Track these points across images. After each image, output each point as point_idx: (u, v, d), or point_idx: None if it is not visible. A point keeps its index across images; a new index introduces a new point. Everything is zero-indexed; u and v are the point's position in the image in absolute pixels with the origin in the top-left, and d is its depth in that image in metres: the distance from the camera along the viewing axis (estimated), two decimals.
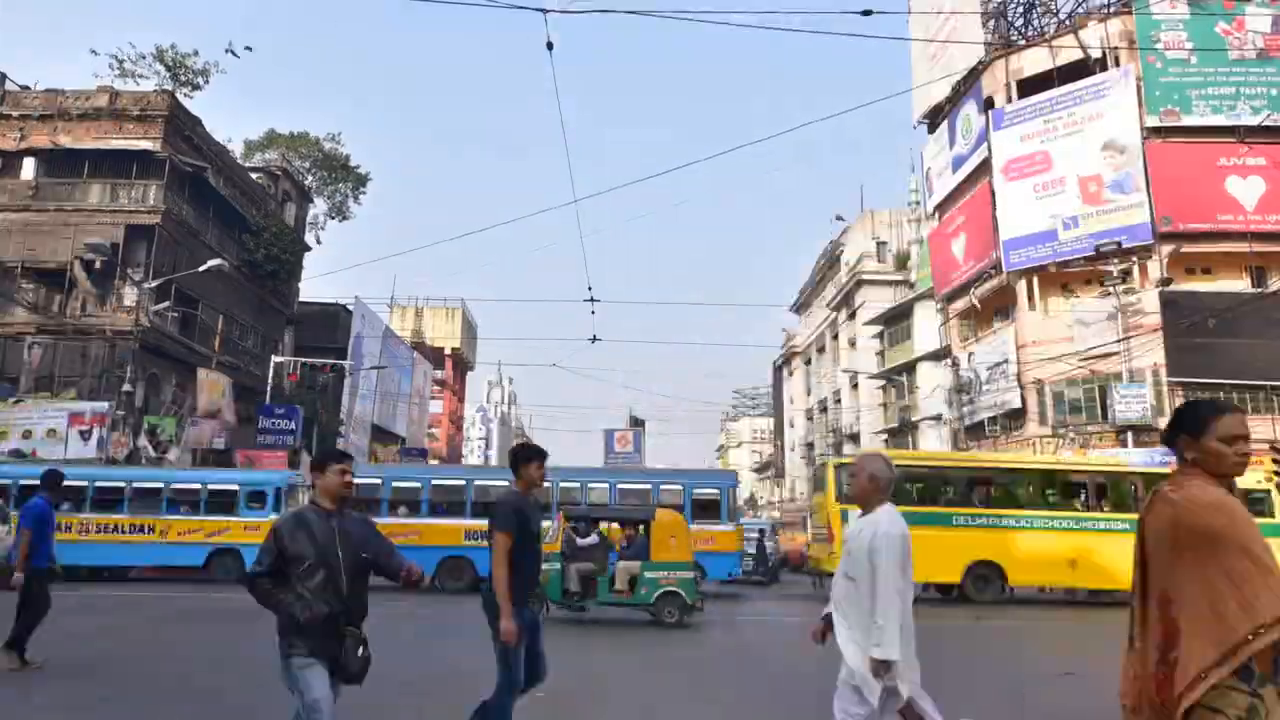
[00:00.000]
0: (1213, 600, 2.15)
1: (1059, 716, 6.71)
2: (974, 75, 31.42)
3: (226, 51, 36.98)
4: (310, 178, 43.42)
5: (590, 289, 22.45)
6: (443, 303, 64.18)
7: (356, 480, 3.82)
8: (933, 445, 36.63)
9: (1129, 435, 25.00)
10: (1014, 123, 29.36)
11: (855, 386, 46.84)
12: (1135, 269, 26.79)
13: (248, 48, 43.71)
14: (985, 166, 30.40)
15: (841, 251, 51.08)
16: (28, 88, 29.91)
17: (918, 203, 46.38)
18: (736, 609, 16.04)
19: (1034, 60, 30.06)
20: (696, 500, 17.96)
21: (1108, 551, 15.57)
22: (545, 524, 8.98)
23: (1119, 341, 25.21)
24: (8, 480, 17.66)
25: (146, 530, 18.14)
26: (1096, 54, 28.19)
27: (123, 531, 18.10)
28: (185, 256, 28.00)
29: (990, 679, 8.39)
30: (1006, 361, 28.85)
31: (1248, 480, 15.39)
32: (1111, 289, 25.38)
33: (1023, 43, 31.56)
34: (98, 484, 18.51)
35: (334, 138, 45.09)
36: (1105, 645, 11.60)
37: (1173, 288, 25.82)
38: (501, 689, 4.21)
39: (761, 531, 25.94)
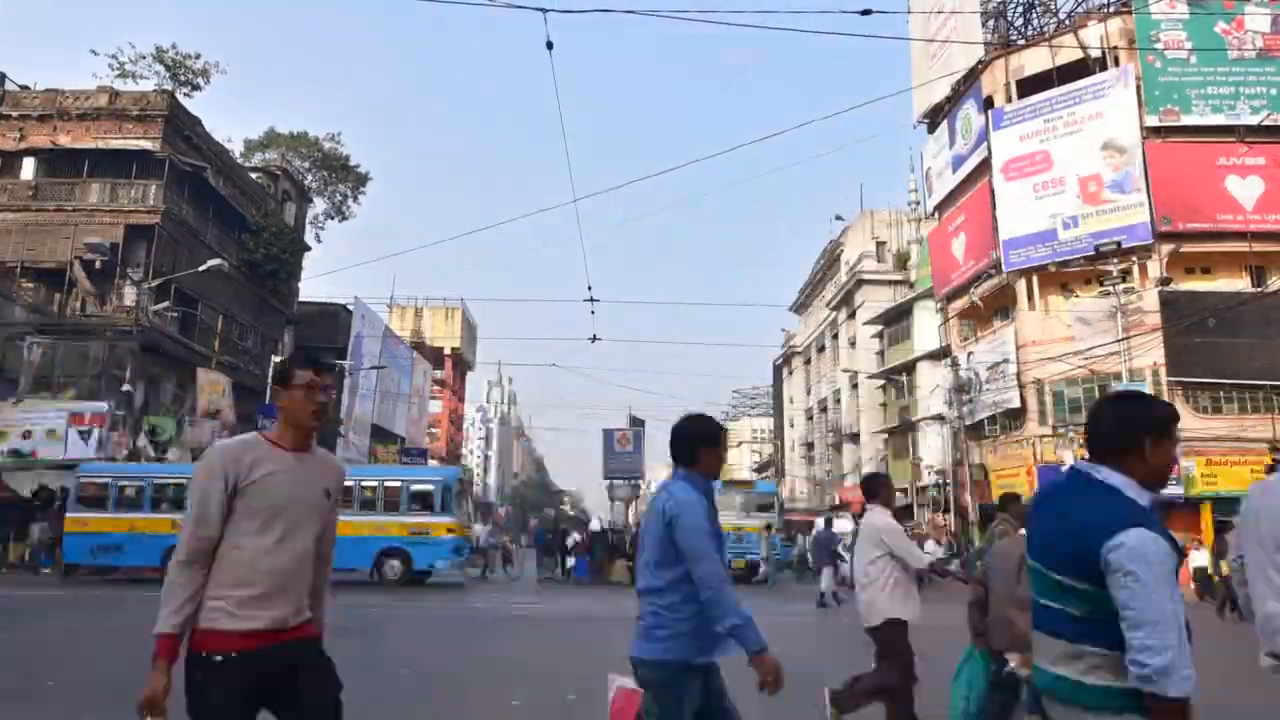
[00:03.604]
0: None
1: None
2: (974, 75, 31.41)
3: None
4: (310, 178, 43.42)
5: (590, 289, 22.40)
6: (442, 302, 64.27)
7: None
8: (933, 444, 36.64)
9: None
10: (1013, 122, 29.36)
11: (855, 386, 46.82)
12: (1135, 269, 26.78)
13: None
14: (985, 166, 30.39)
15: (841, 251, 51.05)
16: (28, 88, 29.91)
17: (918, 203, 46.37)
18: None
19: (1034, 60, 30.05)
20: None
21: None
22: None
23: (1118, 341, 25.21)
24: None
25: None
26: (1096, 54, 28.18)
27: None
28: (185, 256, 28.00)
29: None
30: (1006, 361, 28.84)
31: None
32: (1111, 289, 25.37)
33: (1022, 42, 31.54)
34: None
35: (334, 138, 45.12)
36: None
37: (1172, 287, 25.82)
38: None
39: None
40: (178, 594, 2.40)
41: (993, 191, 29.72)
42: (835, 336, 51.53)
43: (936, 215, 36.58)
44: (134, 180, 27.99)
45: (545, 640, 10.67)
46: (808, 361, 60.17)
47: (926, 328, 38.36)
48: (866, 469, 45.06)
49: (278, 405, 2.68)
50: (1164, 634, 1.86)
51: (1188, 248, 26.54)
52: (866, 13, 11.24)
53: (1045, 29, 31.54)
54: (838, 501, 48.22)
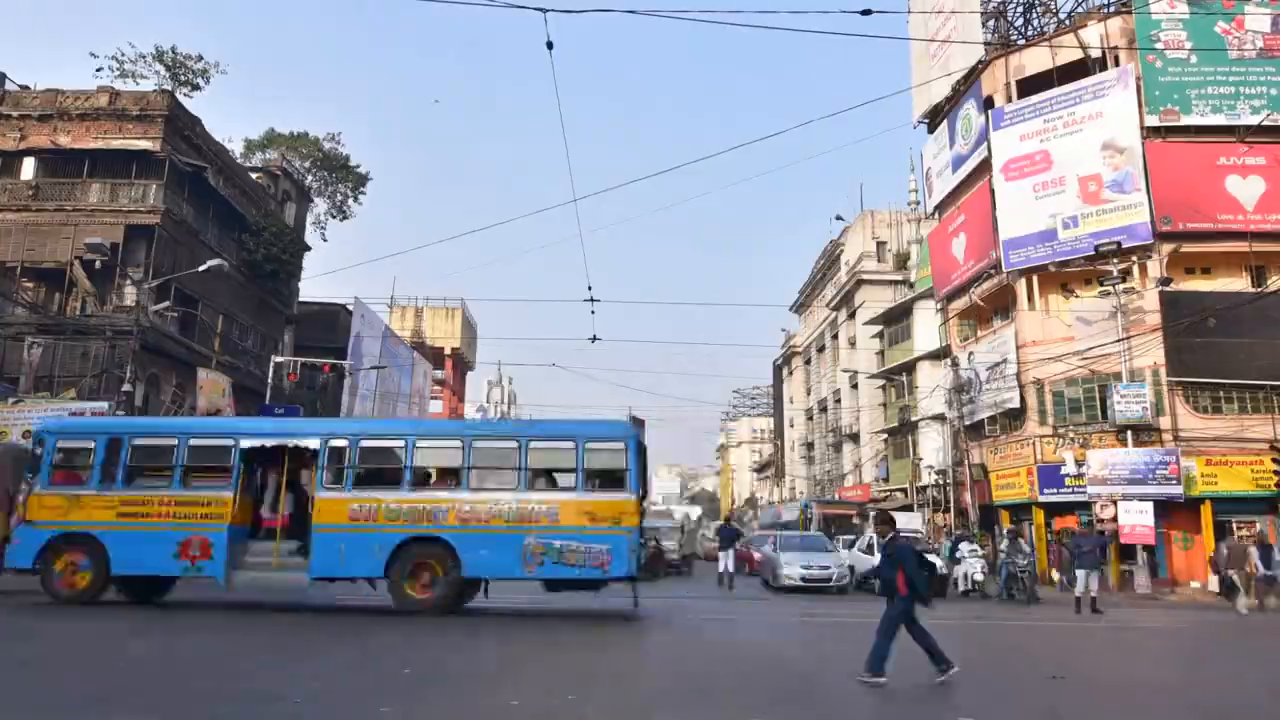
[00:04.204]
0: None
1: (1058, 717, 6.71)
2: (974, 75, 31.41)
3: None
4: (310, 178, 43.44)
5: (590, 289, 22.39)
6: (442, 303, 64.18)
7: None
8: (933, 444, 36.64)
9: (1129, 434, 25.00)
10: (1013, 122, 29.35)
11: (855, 386, 46.84)
12: (1135, 268, 26.78)
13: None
14: (985, 166, 30.39)
15: (841, 251, 51.08)
16: (28, 88, 29.91)
17: (917, 203, 46.40)
18: None
19: (1034, 60, 30.05)
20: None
21: None
22: None
23: (1118, 341, 25.21)
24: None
25: None
26: (1096, 53, 28.18)
27: None
28: (185, 256, 28.01)
29: (985, 681, 8.39)
30: (1006, 361, 28.84)
31: None
32: (1111, 289, 25.36)
33: (1022, 42, 31.54)
34: None
35: (333, 137, 45.17)
36: (1091, 646, 11.55)
37: (1172, 287, 25.82)
38: None
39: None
40: None
41: (993, 191, 29.71)
42: (835, 336, 51.55)
43: (936, 215, 36.57)
44: (134, 180, 28.00)
45: (543, 640, 10.66)
46: (808, 361, 60.19)
47: (926, 328, 38.38)
48: (866, 469, 45.12)
49: None
50: None
51: (1188, 248, 26.53)
52: (867, 13, 11.25)
53: (1045, 29, 31.55)
54: (836, 498, 48.25)
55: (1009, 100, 29.97)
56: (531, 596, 14.41)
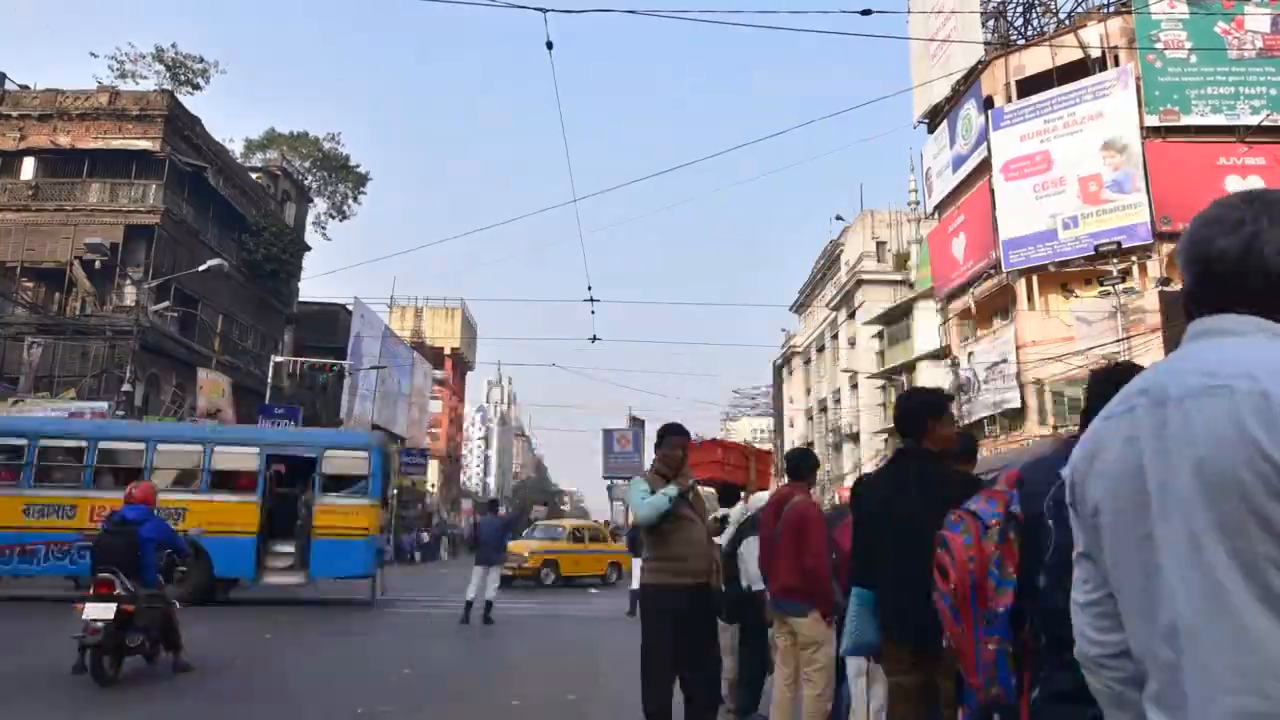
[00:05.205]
0: None
1: None
2: (974, 75, 31.41)
3: None
4: (310, 178, 43.46)
5: (590, 289, 22.39)
6: (442, 303, 64.26)
7: None
8: None
9: None
10: (1013, 122, 29.36)
11: (855, 386, 46.83)
12: (1135, 268, 26.78)
13: None
14: (985, 166, 30.39)
15: (841, 251, 51.06)
16: (27, 87, 29.92)
17: (917, 203, 46.35)
18: None
19: (1034, 60, 30.06)
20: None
21: None
22: None
23: (1118, 341, 25.20)
24: None
25: None
26: (1096, 54, 28.19)
27: None
28: (185, 256, 28.01)
29: None
30: (1005, 361, 28.85)
31: None
32: (1111, 289, 25.37)
33: (1022, 42, 31.56)
34: None
35: (333, 137, 45.18)
36: None
37: (1172, 287, 25.80)
38: None
39: None
40: None
41: (992, 191, 29.71)
42: (835, 336, 51.52)
43: (936, 215, 36.58)
44: (134, 180, 28.01)
45: (543, 641, 10.68)
46: (808, 361, 60.17)
47: (926, 328, 38.35)
48: (866, 469, 45.13)
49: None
50: None
51: None
52: (867, 13, 11.23)
53: (1045, 29, 31.55)
54: (837, 501, 48.23)
55: (1009, 100, 29.97)
56: (540, 600, 14.38)
